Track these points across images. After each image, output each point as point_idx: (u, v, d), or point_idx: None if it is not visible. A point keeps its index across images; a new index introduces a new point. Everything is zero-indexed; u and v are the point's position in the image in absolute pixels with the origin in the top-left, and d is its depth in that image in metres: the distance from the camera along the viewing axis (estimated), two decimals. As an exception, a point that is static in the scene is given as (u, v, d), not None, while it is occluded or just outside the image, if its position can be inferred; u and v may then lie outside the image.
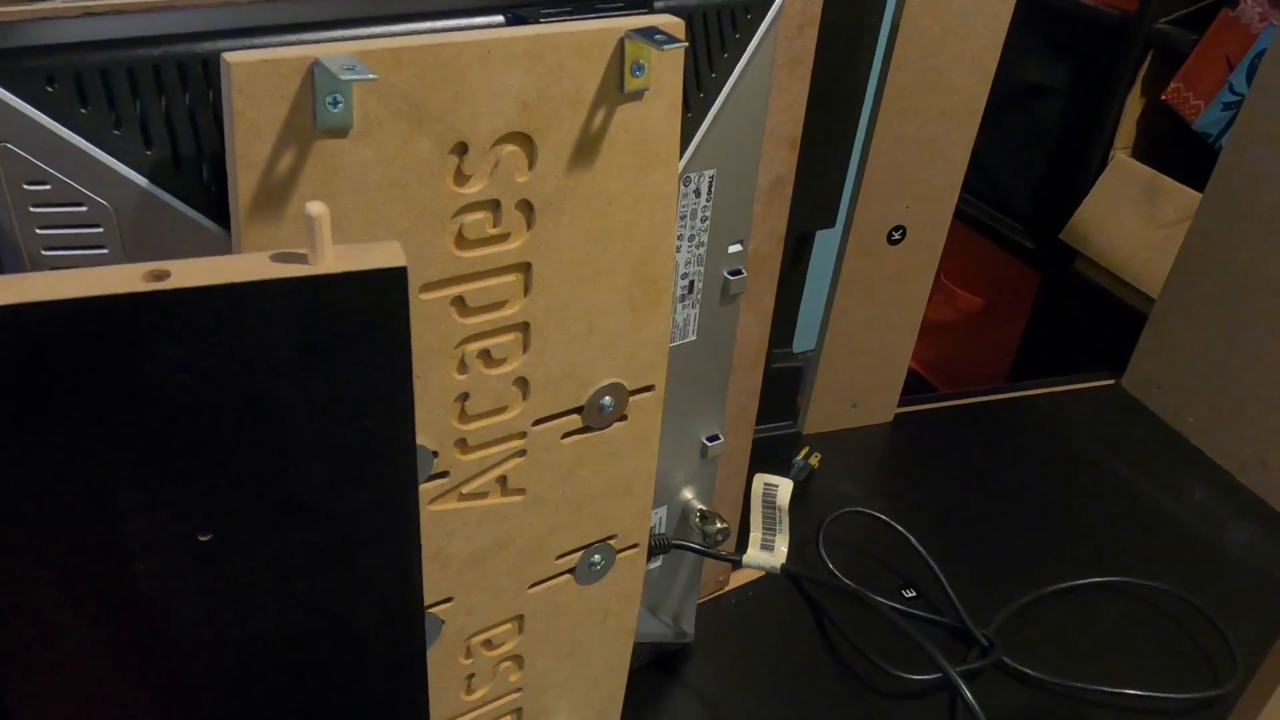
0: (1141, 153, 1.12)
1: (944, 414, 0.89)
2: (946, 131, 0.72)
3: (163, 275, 0.20)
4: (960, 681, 0.54)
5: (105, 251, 0.32)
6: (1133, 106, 1.10)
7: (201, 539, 0.23)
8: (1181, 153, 1.07)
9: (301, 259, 0.21)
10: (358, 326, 0.22)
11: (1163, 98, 1.07)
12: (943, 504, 0.78)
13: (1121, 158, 1.11)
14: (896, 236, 0.76)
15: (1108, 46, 1.08)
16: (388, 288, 0.22)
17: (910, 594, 0.69)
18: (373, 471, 0.25)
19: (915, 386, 0.95)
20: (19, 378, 0.20)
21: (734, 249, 0.49)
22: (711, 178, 0.46)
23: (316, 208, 0.21)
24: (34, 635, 0.23)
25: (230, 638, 0.25)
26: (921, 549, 0.70)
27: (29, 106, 0.29)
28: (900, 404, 0.87)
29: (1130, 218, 1.08)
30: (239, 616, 0.25)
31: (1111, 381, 0.93)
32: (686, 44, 0.35)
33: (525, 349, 0.39)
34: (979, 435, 0.87)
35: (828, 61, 0.52)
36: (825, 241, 0.76)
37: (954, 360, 1.35)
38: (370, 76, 0.29)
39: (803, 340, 0.81)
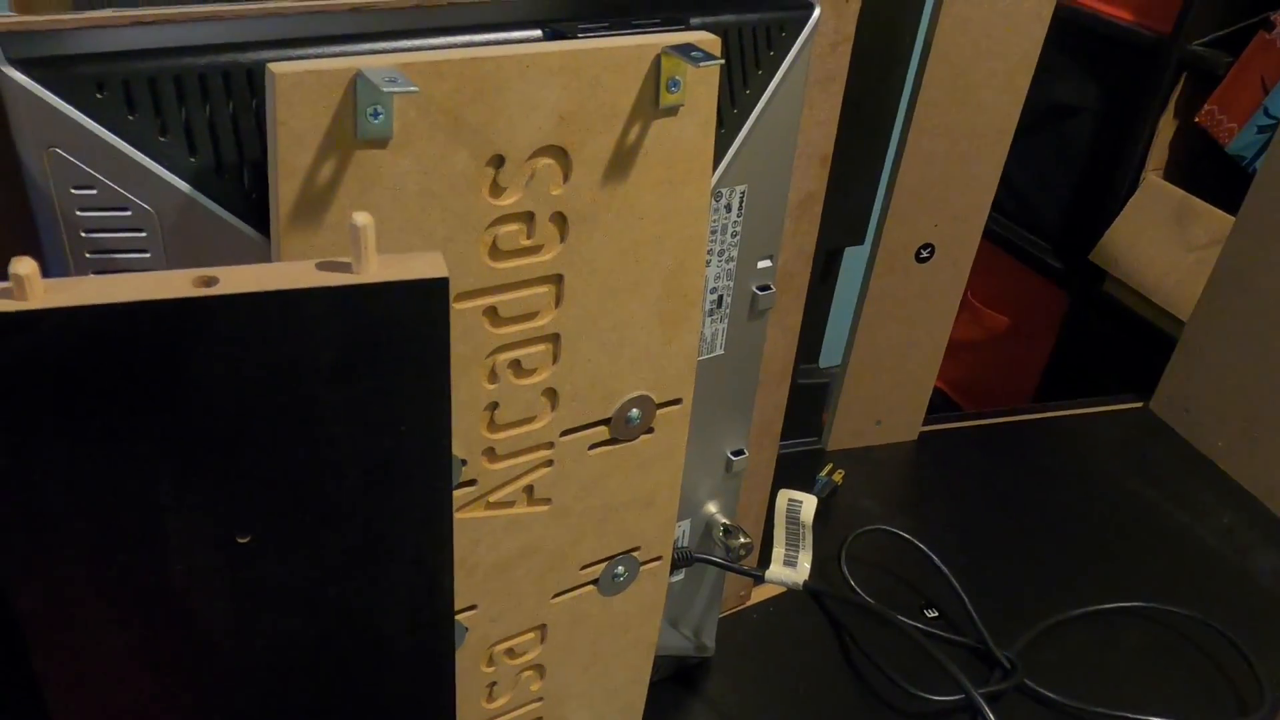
0: (1173, 174, 1.11)
1: (969, 433, 0.89)
2: (977, 150, 0.72)
3: (211, 281, 0.21)
4: (983, 703, 0.54)
5: (147, 255, 0.32)
6: (1165, 128, 1.09)
7: (240, 540, 0.24)
8: (1214, 175, 1.06)
9: (346, 267, 0.22)
10: (399, 335, 0.23)
11: (1196, 120, 1.06)
12: (966, 524, 0.77)
13: (1153, 179, 1.11)
14: (925, 254, 0.76)
15: (1141, 67, 1.08)
16: (430, 297, 0.22)
17: (932, 614, 0.69)
18: (408, 479, 0.25)
19: (940, 405, 0.95)
20: (70, 377, 0.20)
21: (763, 264, 0.50)
22: (743, 193, 0.46)
23: (362, 218, 0.21)
24: (72, 628, 0.24)
25: (262, 638, 0.26)
26: (944, 568, 0.70)
27: (78, 112, 0.30)
28: (925, 422, 0.86)
29: (1161, 239, 1.08)
30: (272, 618, 0.26)
31: (1140, 404, 0.93)
32: (722, 61, 0.36)
33: (555, 360, 0.40)
34: (1004, 455, 0.86)
35: (860, 79, 0.52)
36: (853, 258, 0.76)
37: (980, 379, 1.34)
38: (411, 88, 0.29)
39: (829, 356, 0.81)
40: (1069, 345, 1.22)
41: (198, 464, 0.23)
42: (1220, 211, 1.03)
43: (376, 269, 0.22)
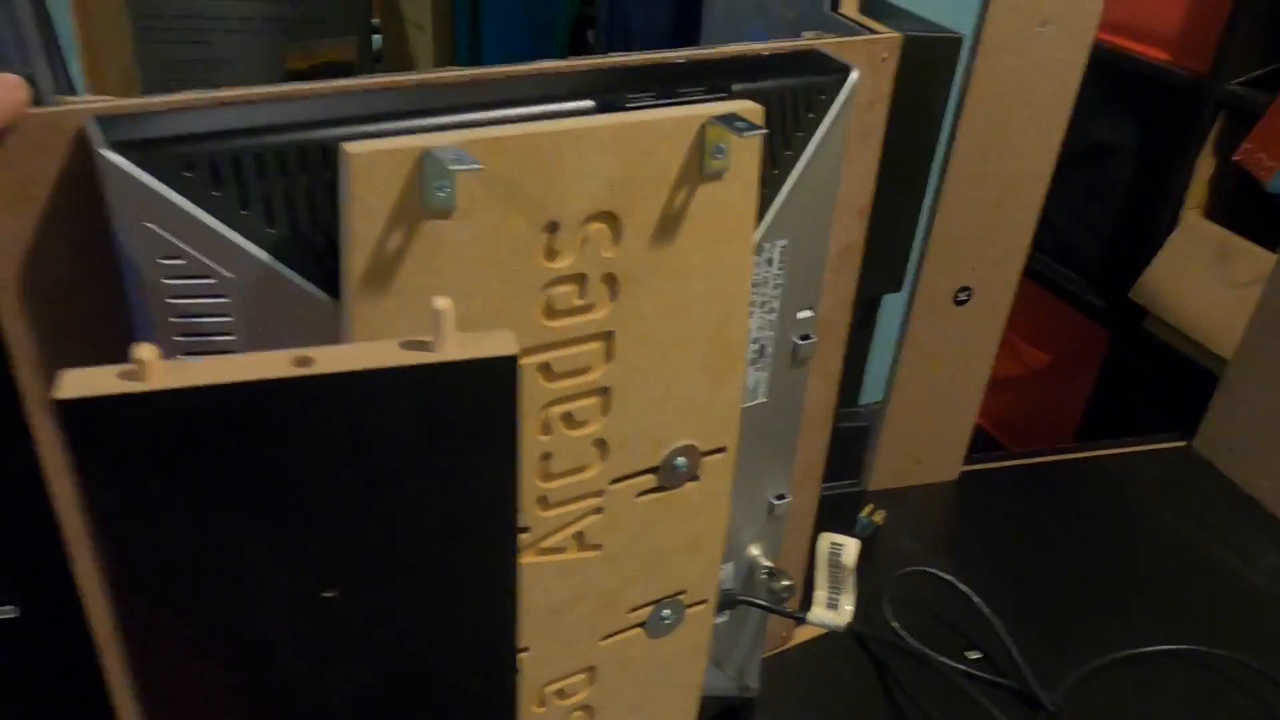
0: (1213, 213, 1.11)
1: (1010, 473, 0.89)
2: (1014, 196, 0.73)
3: (307, 361, 0.23)
4: (1026, 747, 0.54)
5: (229, 319, 0.35)
6: (1204, 166, 1.09)
7: (325, 595, 0.26)
8: (1254, 213, 1.06)
9: (426, 346, 0.24)
10: (472, 405, 0.25)
11: (1235, 158, 1.07)
12: (1008, 564, 0.78)
13: (1193, 217, 1.11)
14: (963, 297, 0.77)
15: (1179, 106, 1.09)
16: (500, 372, 0.24)
17: (975, 655, 0.69)
18: (478, 535, 0.27)
19: (981, 441, 0.95)
20: (181, 448, 0.23)
21: (804, 315, 0.51)
22: (784, 247, 0.48)
23: (443, 302, 0.24)
24: (174, 674, 0.26)
25: (342, 685, 0.28)
26: (986, 610, 0.70)
27: (169, 190, 0.32)
28: (966, 462, 0.87)
29: (1202, 278, 1.08)
30: (351, 665, 0.28)
31: (1183, 443, 0.92)
32: (766, 131, 0.38)
33: (605, 412, 0.41)
34: (1045, 495, 0.86)
35: (897, 131, 0.54)
36: (891, 300, 0.77)
37: (1021, 416, 1.34)
38: (475, 166, 0.31)
39: (869, 391, 0.82)
40: (1110, 382, 1.21)
41: (289, 525, 0.25)
42: (1261, 249, 1.03)
43: (454, 347, 0.24)
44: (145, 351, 0.21)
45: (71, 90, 0.40)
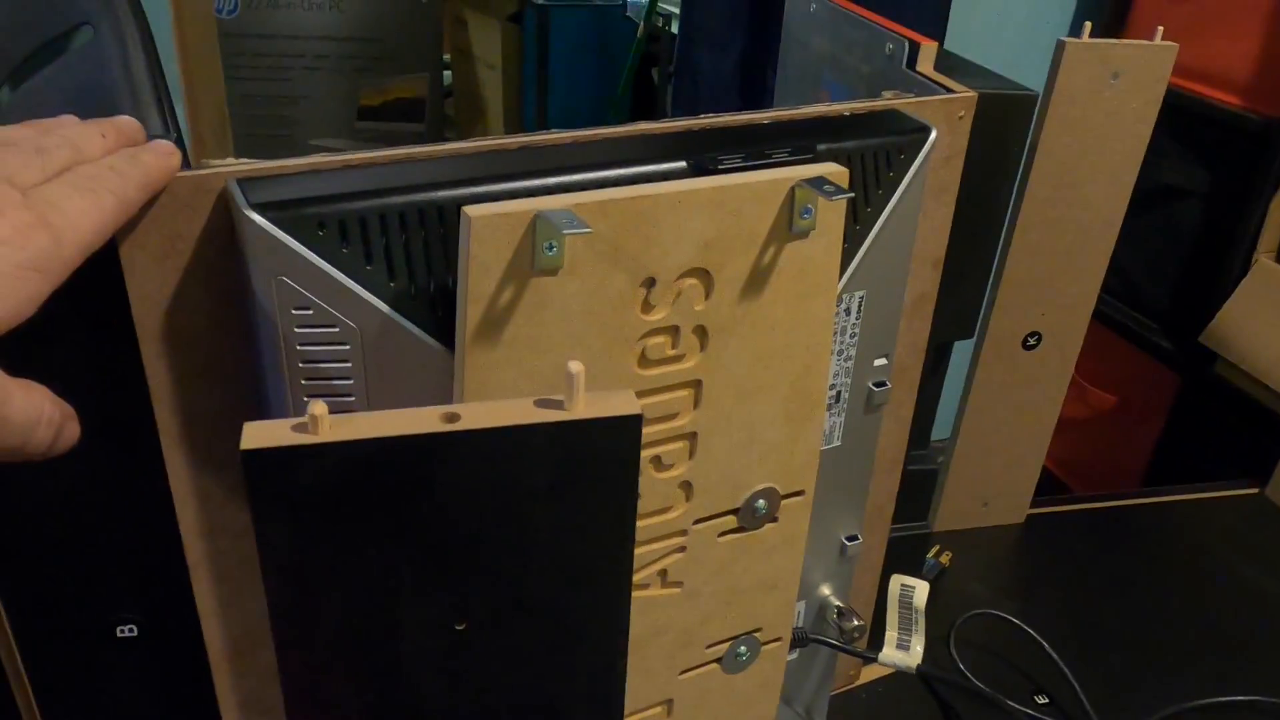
0: (1286, 257, 1.10)
1: (1077, 516, 0.89)
2: (1083, 243, 0.74)
3: (454, 418, 0.25)
4: (1096, 794, 0.54)
5: (349, 365, 0.37)
6: (1276, 211, 1.09)
7: (458, 627, 0.28)
8: (1330, 259, 1.05)
9: (559, 405, 0.26)
10: (598, 458, 0.27)
11: (1309, 203, 1.06)
12: (1075, 609, 0.78)
13: (1265, 262, 1.10)
14: (1032, 342, 0.78)
15: (1251, 151, 1.08)
16: (625, 429, 0.27)
17: (1042, 700, 0.69)
18: (596, 577, 0.29)
19: (1047, 483, 0.95)
20: (343, 493, 0.25)
21: (879, 362, 0.53)
22: (861, 298, 0.50)
23: (576, 366, 0.26)
24: (321, 690, 0.28)
25: (463, 713, 0.30)
26: (1054, 655, 0.70)
27: (303, 247, 0.35)
28: (1033, 505, 0.87)
29: (1274, 323, 1.07)
30: (477, 694, 0.30)
31: (1255, 490, 0.92)
32: (852, 194, 0.40)
33: (691, 455, 0.43)
34: (1113, 539, 0.86)
35: (971, 185, 0.55)
36: (960, 344, 0.78)
37: (1087, 458, 1.33)
38: (585, 229, 0.34)
39: (937, 433, 0.82)
40: (1180, 427, 1.20)
41: (432, 563, 0.27)
42: (1337, 295, 1.02)
43: (584, 407, 0.26)
44: (318, 408, 0.24)
45: (179, 132, 0.43)
